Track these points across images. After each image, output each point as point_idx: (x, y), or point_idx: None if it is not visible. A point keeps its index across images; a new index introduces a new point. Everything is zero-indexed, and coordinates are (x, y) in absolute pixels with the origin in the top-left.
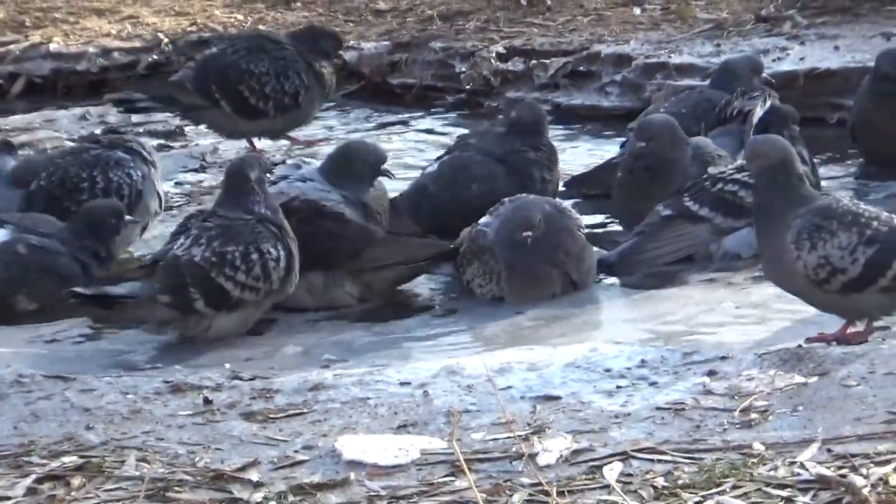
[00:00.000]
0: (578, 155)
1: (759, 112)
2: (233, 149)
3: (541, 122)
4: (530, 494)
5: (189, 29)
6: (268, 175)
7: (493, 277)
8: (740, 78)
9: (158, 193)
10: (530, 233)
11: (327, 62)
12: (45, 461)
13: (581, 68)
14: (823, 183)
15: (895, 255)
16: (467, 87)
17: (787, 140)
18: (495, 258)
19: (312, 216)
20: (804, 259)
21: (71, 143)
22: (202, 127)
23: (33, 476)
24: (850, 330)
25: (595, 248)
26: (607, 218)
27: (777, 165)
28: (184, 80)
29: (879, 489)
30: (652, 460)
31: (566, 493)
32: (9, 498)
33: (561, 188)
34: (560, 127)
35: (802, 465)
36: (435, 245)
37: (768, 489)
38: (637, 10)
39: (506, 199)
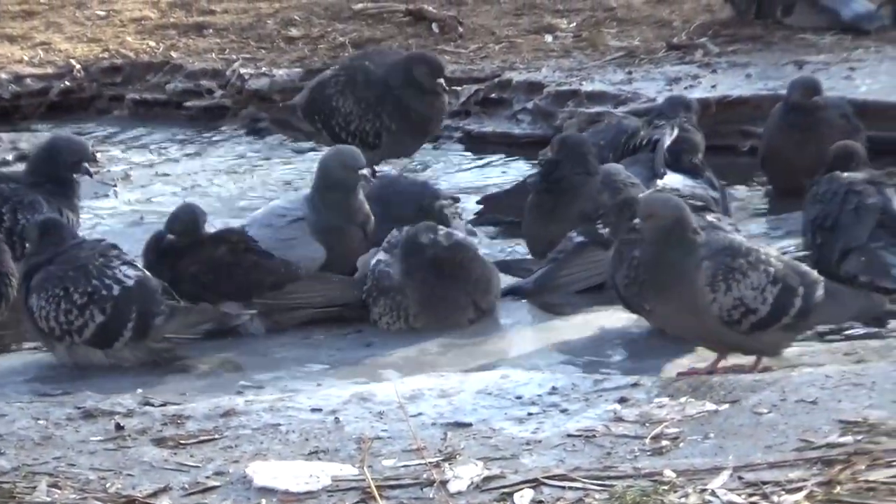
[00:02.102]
0: (490, 180)
1: (667, 141)
2: (145, 175)
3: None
4: None
5: (101, 55)
6: None
7: (402, 315)
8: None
9: None
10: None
11: (423, 93)
12: None
13: (493, 95)
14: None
15: (797, 292)
16: None
17: (695, 166)
18: (403, 294)
19: (241, 248)
20: (720, 301)
21: None
22: (115, 153)
23: None
24: (721, 364)
25: (508, 276)
26: (518, 244)
27: (671, 225)
28: (297, 105)
29: None
30: (563, 487)
31: None
32: None
33: (476, 210)
34: (470, 154)
35: (713, 493)
36: (351, 290)
37: None
38: (549, 38)
39: (394, 231)
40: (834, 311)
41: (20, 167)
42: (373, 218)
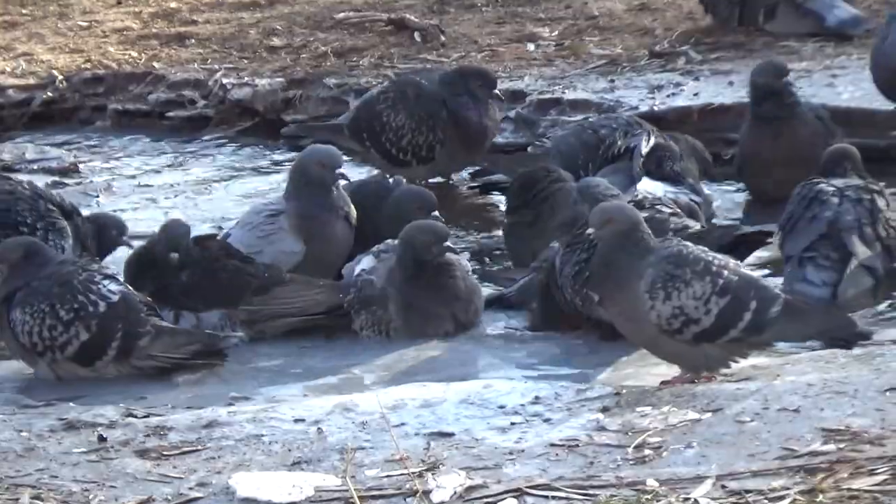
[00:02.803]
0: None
1: (644, 148)
2: (127, 186)
3: None
4: None
5: (84, 66)
6: None
7: (382, 328)
8: None
9: None
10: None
11: (478, 105)
12: None
13: None
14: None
15: (748, 306)
16: None
17: (677, 172)
18: (384, 308)
19: (222, 254)
20: (658, 309)
21: None
22: (97, 163)
23: None
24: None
25: (492, 285)
26: (501, 253)
27: (628, 230)
28: (342, 124)
29: None
30: (546, 497)
31: None
32: None
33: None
34: None
35: (696, 502)
36: (336, 295)
37: None
38: (531, 47)
39: (389, 241)
40: (793, 328)
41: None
42: (353, 210)
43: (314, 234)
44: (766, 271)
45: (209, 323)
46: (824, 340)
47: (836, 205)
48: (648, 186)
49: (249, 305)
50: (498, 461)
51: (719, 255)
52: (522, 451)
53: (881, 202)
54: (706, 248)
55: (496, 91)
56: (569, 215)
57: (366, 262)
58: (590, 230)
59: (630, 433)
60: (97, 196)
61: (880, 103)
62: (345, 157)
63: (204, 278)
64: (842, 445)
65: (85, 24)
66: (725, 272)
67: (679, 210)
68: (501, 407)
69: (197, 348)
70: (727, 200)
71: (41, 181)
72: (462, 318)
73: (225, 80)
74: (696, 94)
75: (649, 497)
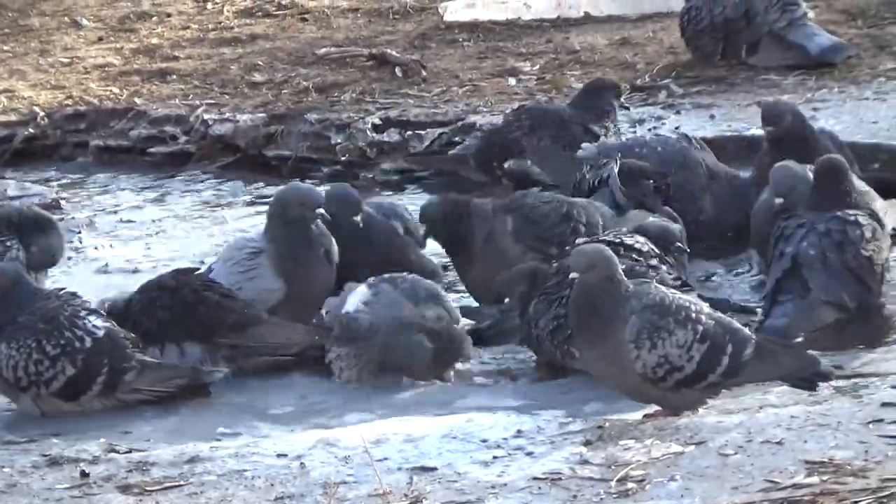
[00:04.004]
0: None
1: (615, 172)
2: (109, 222)
3: None
4: None
5: (65, 102)
6: None
7: (359, 366)
8: None
9: None
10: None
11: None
12: None
13: (457, 139)
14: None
15: (725, 349)
16: (343, 158)
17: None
18: (369, 348)
19: (201, 288)
20: (643, 358)
21: None
22: (79, 199)
23: None
24: None
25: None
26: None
27: (610, 275)
28: (466, 154)
29: None
30: None
31: None
32: None
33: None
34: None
35: None
36: (312, 337)
37: None
38: (512, 81)
39: (386, 277)
40: (764, 370)
41: None
42: (335, 247)
43: (294, 273)
44: None
45: (192, 357)
46: (789, 381)
47: (798, 239)
48: (633, 215)
49: (226, 339)
50: (480, 495)
51: (692, 299)
52: (505, 484)
53: (858, 231)
54: (675, 290)
55: (620, 99)
56: (525, 267)
57: (354, 301)
58: (574, 274)
59: (613, 466)
60: (79, 232)
61: (861, 136)
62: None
63: (182, 311)
64: (825, 478)
65: (66, 60)
66: (703, 318)
67: (654, 248)
68: (484, 441)
69: (182, 382)
70: None
71: None
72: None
73: (206, 116)
74: (677, 128)
75: None
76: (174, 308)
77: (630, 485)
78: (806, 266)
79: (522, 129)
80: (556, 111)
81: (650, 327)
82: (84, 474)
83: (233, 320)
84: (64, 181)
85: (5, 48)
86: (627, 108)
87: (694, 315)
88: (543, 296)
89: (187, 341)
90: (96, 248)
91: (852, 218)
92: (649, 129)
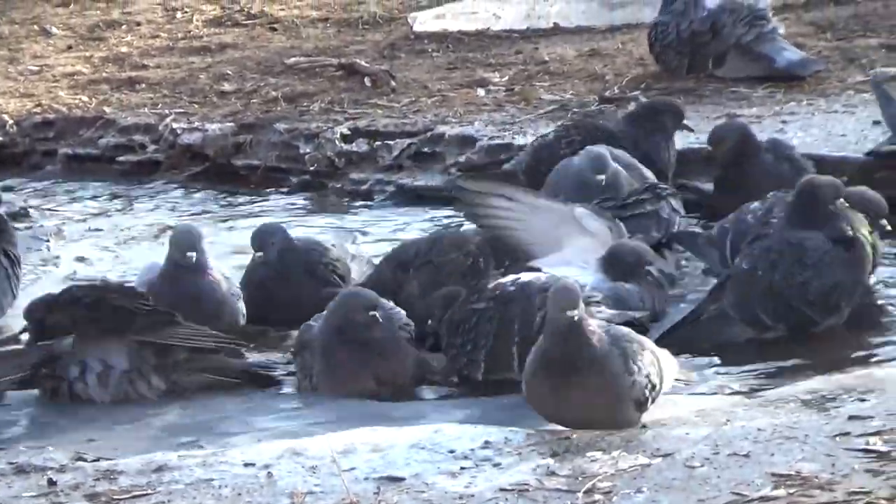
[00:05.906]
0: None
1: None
2: (77, 231)
3: None
4: None
5: (34, 110)
6: None
7: (307, 374)
8: None
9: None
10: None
11: (667, 141)
12: None
13: (425, 149)
14: None
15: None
16: (311, 168)
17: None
18: (313, 355)
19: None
20: (638, 381)
21: None
22: (47, 208)
23: None
24: None
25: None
26: None
27: (580, 318)
28: (516, 168)
29: None
30: None
31: None
32: None
33: None
34: (403, 208)
35: None
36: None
37: None
38: (481, 92)
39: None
40: None
41: None
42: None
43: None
44: None
45: (119, 366)
46: None
47: (745, 252)
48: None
49: (140, 336)
50: None
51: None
52: (472, 495)
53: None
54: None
55: (685, 122)
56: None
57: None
58: (552, 316)
59: (580, 478)
60: (47, 240)
61: (828, 149)
62: None
63: (92, 306)
64: (792, 491)
65: (35, 68)
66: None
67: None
68: (451, 451)
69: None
70: None
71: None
72: (385, 377)
73: (175, 125)
74: None
75: None
76: (86, 300)
77: (597, 496)
78: (733, 278)
79: (572, 144)
80: (607, 127)
81: (629, 351)
82: (51, 482)
83: (143, 315)
84: (32, 189)
85: None
86: (692, 130)
87: (637, 338)
88: (458, 317)
89: (104, 338)
90: (59, 258)
91: (810, 242)
92: None
